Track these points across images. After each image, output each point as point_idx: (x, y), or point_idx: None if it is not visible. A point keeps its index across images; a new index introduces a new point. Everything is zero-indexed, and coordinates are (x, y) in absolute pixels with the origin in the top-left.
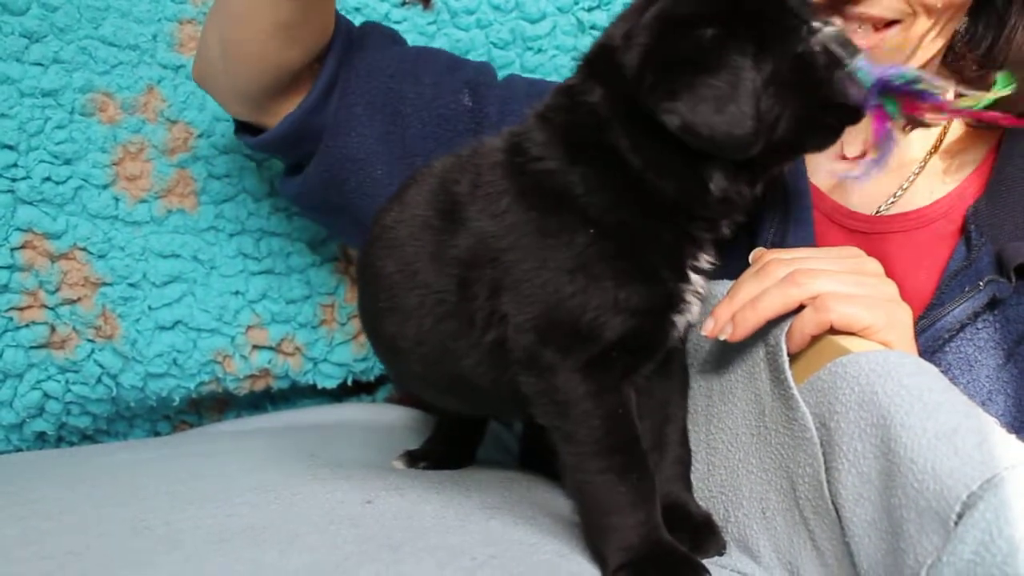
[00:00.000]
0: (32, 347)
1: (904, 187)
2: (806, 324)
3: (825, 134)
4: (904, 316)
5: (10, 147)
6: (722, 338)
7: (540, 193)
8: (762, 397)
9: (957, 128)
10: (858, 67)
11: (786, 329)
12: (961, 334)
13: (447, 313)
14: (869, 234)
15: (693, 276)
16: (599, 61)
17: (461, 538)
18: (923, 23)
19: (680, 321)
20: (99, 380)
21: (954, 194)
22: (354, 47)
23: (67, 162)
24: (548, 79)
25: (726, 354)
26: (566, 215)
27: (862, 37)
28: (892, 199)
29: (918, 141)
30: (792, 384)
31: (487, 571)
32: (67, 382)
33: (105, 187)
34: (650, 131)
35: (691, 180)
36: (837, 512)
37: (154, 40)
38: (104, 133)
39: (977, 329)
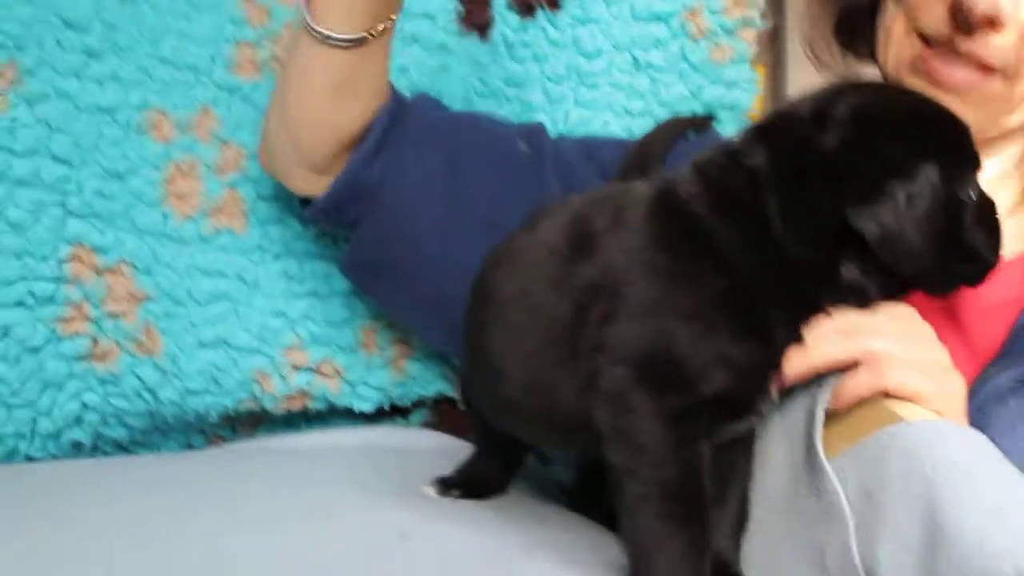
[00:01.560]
0: (74, 359)
1: None
2: (860, 386)
3: (950, 281)
4: (957, 385)
5: (64, 161)
6: None
7: (679, 236)
8: (798, 466)
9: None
10: None
11: (827, 396)
12: (1018, 394)
13: (558, 339)
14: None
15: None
16: (775, 127)
17: None
18: None
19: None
20: (138, 394)
21: None
22: (405, 108)
23: (119, 178)
24: (600, 113)
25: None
26: (700, 262)
27: (963, 74)
28: None
29: (1000, 193)
30: (821, 452)
31: None
32: (106, 394)
33: (155, 204)
34: (803, 203)
35: (827, 259)
36: None
37: (212, 61)
38: (157, 151)
39: None
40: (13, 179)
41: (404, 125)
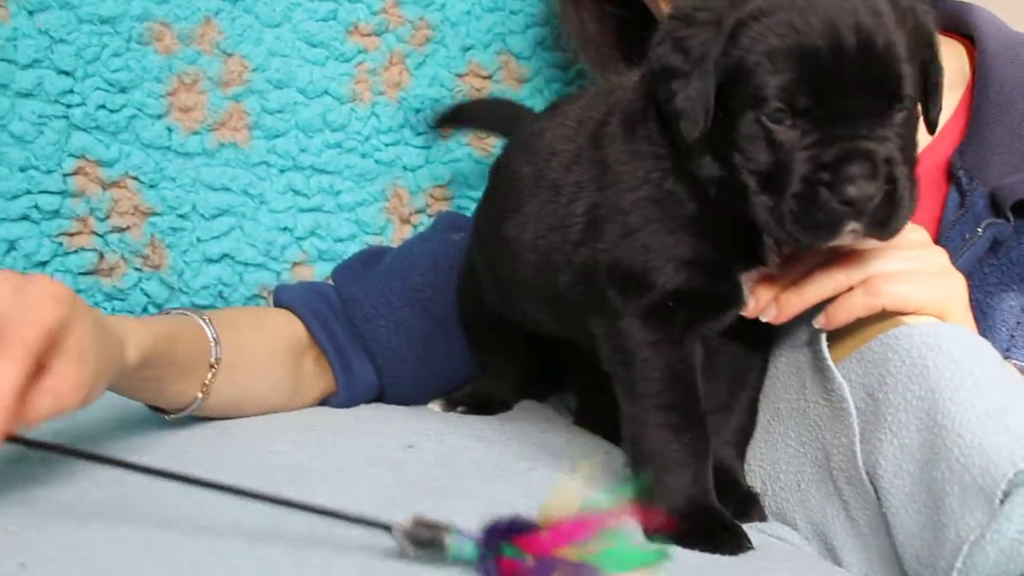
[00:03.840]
0: (80, 273)
1: None
2: (855, 306)
3: (764, 223)
4: (958, 287)
5: (67, 73)
6: (764, 319)
7: (631, 117)
8: (803, 370)
9: None
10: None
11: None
12: (969, 282)
13: (555, 224)
14: None
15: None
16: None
17: (501, 488)
18: None
19: (749, 272)
20: (145, 309)
21: (935, 142)
22: (329, 311)
23: (122, 90)
24: None
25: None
26: (643, 144)
27: None
28: None
29: None
30: (827, 355)
31: None
32: (113, 309)
33: (159, 117)
34: None
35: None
36: (874, 483)
37: None
38: (160, 63)
39: (984, 275)
40: (16, 91)
41: (343, 318)
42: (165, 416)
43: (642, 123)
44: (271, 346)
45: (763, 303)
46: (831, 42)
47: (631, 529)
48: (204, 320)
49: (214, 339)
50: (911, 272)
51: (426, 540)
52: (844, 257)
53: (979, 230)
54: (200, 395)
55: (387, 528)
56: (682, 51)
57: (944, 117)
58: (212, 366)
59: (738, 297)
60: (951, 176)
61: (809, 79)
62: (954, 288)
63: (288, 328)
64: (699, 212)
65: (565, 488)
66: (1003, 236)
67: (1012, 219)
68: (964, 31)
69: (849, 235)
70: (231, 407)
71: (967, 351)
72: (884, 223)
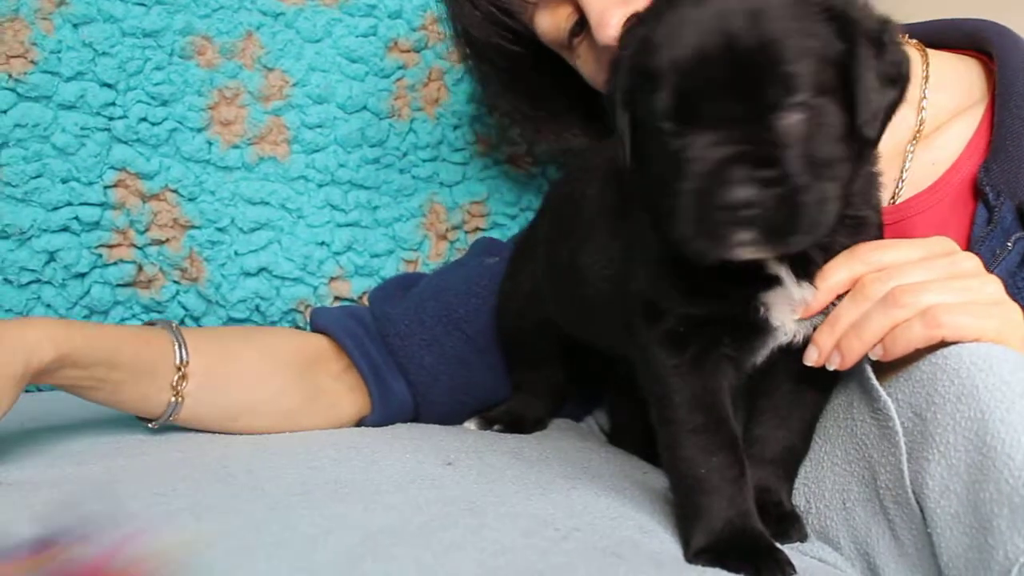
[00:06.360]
0: (119, 285)
1: (905, 170)
2: (914, 338)
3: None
4: (1015, 316)
5: (109, 86)
6: (831, 368)
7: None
8: (851, 389)
9: (938, 105)
10: None
11: None
12: None
13: (614, 258)
14: (893, 224)
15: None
16: None
17: (543, 507)
18: None
19: (775, 300)
20: (182, 322)
21: (960, 160)
22: (365, 332)
23: (164, 103)
24: None
25: None
26: (629, 209)
27: None
28: (900, 185)
29: (897, 126)
30: (871, 374)
31: (571, 543)
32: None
33: (199, 130)
34: None
35: None
36: (920, 503)
37: None
38: (201, 77)
39: (1017, 289)
40: (59, 103)
41: (377, 338)
42: (148, 424)
43: None
44: (265, 353)
45: (826, 351)
46: (696, 53)
47: None
48: (169, 326)
49: (179, 342)
50: (968, 303)
51: None
52: (896, 292)
53: (1009, 245)
54: (173, 399)
55: None
56: (607, 91)
57: (966, 134)
58: (179, 368)
59: (760, 321)
60: (978, 192)
61: (685, 91)
62: (1011, 317)
63: (294, 340)
64: None
65: None
66: None
67: None
68: (982, 47)
69: (749, 248)
70: (226, 415)
71: (1017, 372)
72: (780, 231)
